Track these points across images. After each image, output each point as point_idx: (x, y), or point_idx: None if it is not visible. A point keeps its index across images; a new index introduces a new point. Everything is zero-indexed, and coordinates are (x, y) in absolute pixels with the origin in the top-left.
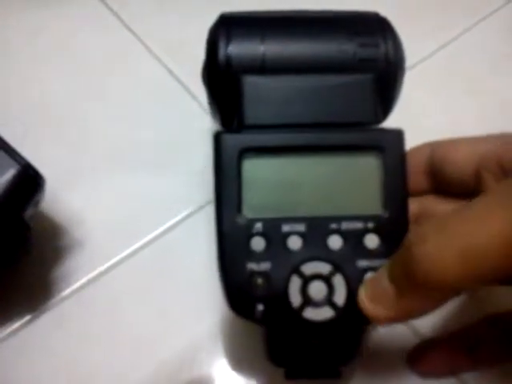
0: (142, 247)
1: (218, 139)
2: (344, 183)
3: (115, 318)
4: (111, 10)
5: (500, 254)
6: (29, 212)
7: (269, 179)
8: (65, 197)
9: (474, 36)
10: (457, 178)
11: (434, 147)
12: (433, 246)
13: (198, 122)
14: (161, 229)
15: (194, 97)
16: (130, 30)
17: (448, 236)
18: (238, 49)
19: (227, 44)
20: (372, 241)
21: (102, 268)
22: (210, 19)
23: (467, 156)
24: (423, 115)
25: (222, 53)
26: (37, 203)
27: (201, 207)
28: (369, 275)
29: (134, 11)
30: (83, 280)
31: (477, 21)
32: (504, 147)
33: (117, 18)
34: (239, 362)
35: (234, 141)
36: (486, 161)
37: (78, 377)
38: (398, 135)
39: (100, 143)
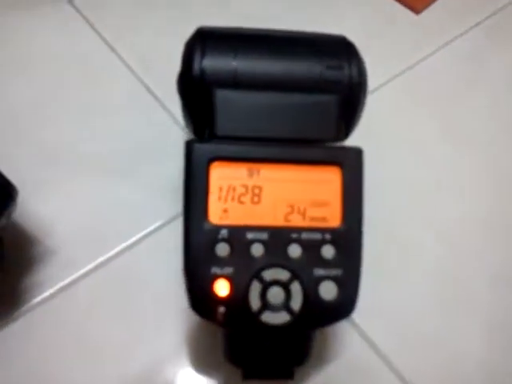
0: (111, 258)
1: (189, 147)
2: (305, 196)
3: (83, 329)
4: (87, 20)
5: None
6: (0, 224)
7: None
8: (35, 207)
9: (439, 60)
10: None
11: None
12: None
13: (171, 134)
14: (130, 240)
15: (166, 109)
16: (104, 40)
17: None
18: (211, 63)
19: (202, 58)
20: (328, 251)
21: (71, 278)
22: (184, 33)
23: None
24: (387, 134)
25: (196, 66)
26: (9, 215)
27: (170, 220)
28: (324, 283)
29: (109, 23)
30: (52, 290)
31: (442, 45)
32: None
33: (92, 29)
34: (203, 369)
35: (204, 150)
36: None
37: None
38: (357, 153)
39: (71, 153)
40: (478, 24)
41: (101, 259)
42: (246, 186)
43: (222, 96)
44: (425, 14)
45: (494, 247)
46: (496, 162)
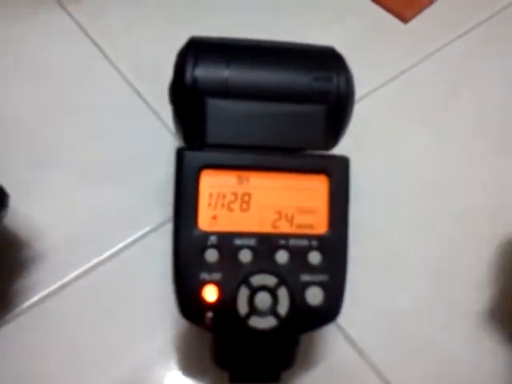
0: (101, 262)
1: (179, 155)
2: (293, 203)
3: (73, 332)
4: (81, 27)
5: None
6: None
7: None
8: (26, 210)
9: (427, 69)
10: None
11: None
12: None
13: (161, 140)
14: (119, 245)
15: (158, 116)
16: (98, 47)
17: None
18: (204, 72)
19: (194, 67)
20: (315, 257)
21: (61, 282)
22: (176, 42)
23: None
24: (375, 142)
25: (188, 75)
26: (0, 220)
27: (159, 226)
28: (310, 289)
29: (102, 30)
30: (42, 294)
31: (429, 53)
32: None
33: (86, 36)
34: (191, 372)
35: (195, 157)
36: None
37: None
38: (344, 162)
39: (62, 157)
40: (465, 33)
41: (91, 263)
42: (235, 194)
43: (213, 105)
44: (413, 23)
45: (483, 251)
46: (485, 169)
